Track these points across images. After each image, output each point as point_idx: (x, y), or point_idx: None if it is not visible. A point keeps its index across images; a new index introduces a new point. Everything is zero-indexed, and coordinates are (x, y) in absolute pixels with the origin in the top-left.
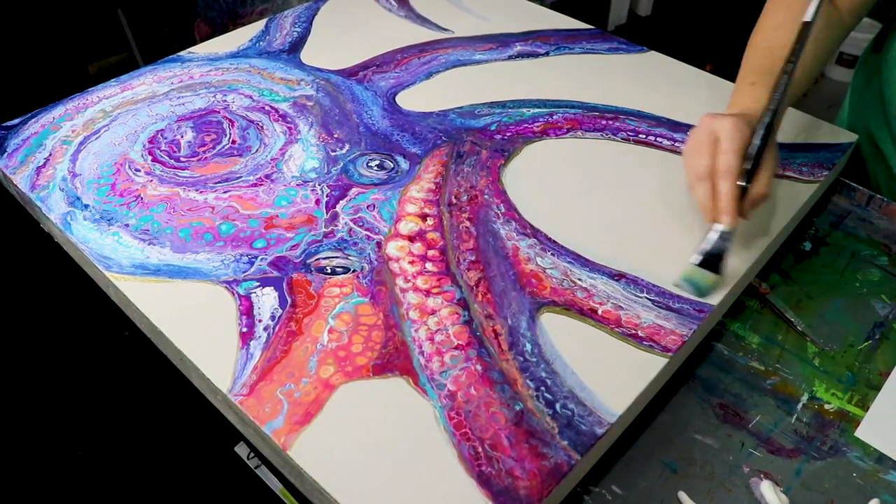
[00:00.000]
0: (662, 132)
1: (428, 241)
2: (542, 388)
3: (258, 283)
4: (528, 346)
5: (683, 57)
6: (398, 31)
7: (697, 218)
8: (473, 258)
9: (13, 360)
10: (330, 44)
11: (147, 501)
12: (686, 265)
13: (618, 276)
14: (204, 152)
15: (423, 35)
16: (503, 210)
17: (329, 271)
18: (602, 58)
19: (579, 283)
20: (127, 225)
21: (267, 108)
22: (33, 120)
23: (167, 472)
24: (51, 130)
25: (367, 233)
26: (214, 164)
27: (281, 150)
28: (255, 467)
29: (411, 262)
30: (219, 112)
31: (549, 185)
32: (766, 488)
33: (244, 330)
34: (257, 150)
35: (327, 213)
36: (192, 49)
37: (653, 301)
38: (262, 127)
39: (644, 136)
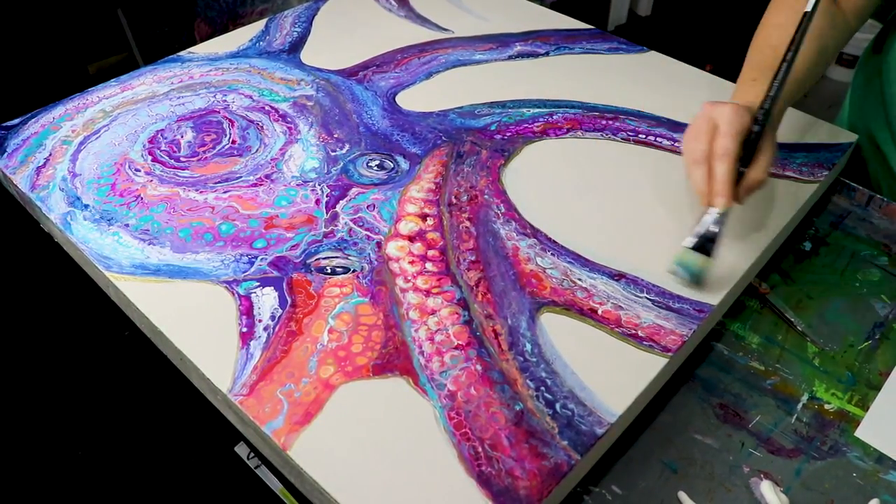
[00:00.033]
0: (662, 132)
1: (428, 241)
2: (542, 388)
3: (258, 283)
4: (528, 346)
5: (683, 57)
6: (398, 31)
7: (697, 217)
8: (473, 258)
9: (13, 360)
10: (330, 44)
11: (147, 501)
12: (679, 249)
13: (618, 276)
14: (204, 152)
15: (423, 35)
16: (503, 210)
17: (329, 271)
18: (602, 58)
19: (579, 283)
20: (127, 225)
21: (267, 108)
22: (33, 120)
23: (167, 472)
24: (51, 130)
25: (367, 233)
26: (214, 164)
27: (281, 150)
28: (255, 467)
29: (411, 262)
30: (219, 112)
31: (549, 185)
32: (766, 488)
33: (244, 330)
34: (257, 150)
35: (327, 213)
36: (192, 49)
37: (653, 301)
38: (262, 127)
39: (644, 136)
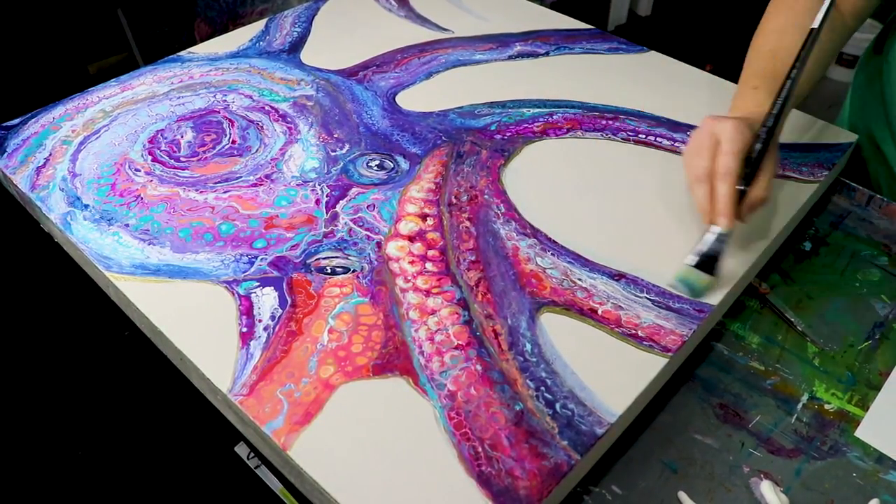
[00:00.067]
0: (662, 132)
1: (428, 241)
2: (542, 388)
3: (258, 283)
4: (528, 346)
5: (683, 57)
6: (398, 31)
7: (697, 218)
8: (473, 258)
9: (13, 360)
10: (330, 44)
11: (147, 501)
12: (681, 266)
13: (618, 276)
14: (204, 152)
15: (423, 35)
16: (503, 210)
17: (329, 271)
18: (602, 58)
19: (579, 283)
20: (127, 225)
21: (267, 108)
22: (33, 120)
23: (167, 472)
24: (51, 130)
25: (367, 233)
26: (214, 164)
27: (281, 150)
28: (255, 467)
29: (411, 262)
30: (219, 112)
31: (549, 185)
32: (766, 488)
33: (244, 330)
34: (257, 150)
35: (327, 213)
36: (192, 49)
37: (653, 301)
38: (262, 127)
39: (644, 136)
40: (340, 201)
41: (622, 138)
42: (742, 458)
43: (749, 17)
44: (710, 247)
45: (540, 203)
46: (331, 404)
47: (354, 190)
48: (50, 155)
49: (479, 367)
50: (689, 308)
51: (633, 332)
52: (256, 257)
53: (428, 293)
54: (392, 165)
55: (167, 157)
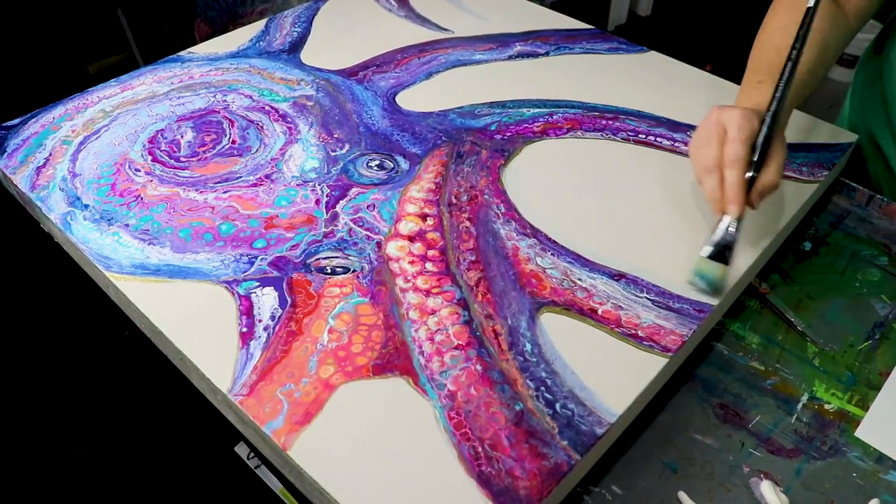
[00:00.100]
0: (662, 132)
1: (428, 241)
2: (542, 388)
3: (258, 283)
4: (528, 346)
5: (683, 57)
6: (398, 31)
7: (697, 218)
8: (473, 258)
9: (13, 360)
10: (330, 44)
11: (147, 501)
12: (696, 258)
13: (618, 276)
14: (204, 152)
15: (423, 35)
16: (503, 210)
17: (329, 271)
18: (602, 58)
19: (579, 283)
20: (127, 225)
21: (267, 108)
22: (33, 120)
23: (167, 472)
24: (51, 130)
25: (367, 233)
26: (214, 164)
27: (281, 150)
28: (255, 467)
29: (411, 262)
30: (219, 112)
31: (549, 185)
32: (766, 488)
33: (244, 330)
34: (257, 150)
35: (327, 213)
36: (192, 49)
37: (653, 301)
38: (262, 127)
39: (644, 136)
40: (340, 201)
41: (622, 138)
42: (742, 458)
43: (749, 17)
44: (722, 236)
45: (540, 203)
46: (331, 404)
47: (354, 190)
48: (50, 155)
49: (479, 367)
50: (689, 308)
51: (633, 332)
52: (256, 257)
53: (428, 293)
54: (392, 165)
55: (167, 157)
